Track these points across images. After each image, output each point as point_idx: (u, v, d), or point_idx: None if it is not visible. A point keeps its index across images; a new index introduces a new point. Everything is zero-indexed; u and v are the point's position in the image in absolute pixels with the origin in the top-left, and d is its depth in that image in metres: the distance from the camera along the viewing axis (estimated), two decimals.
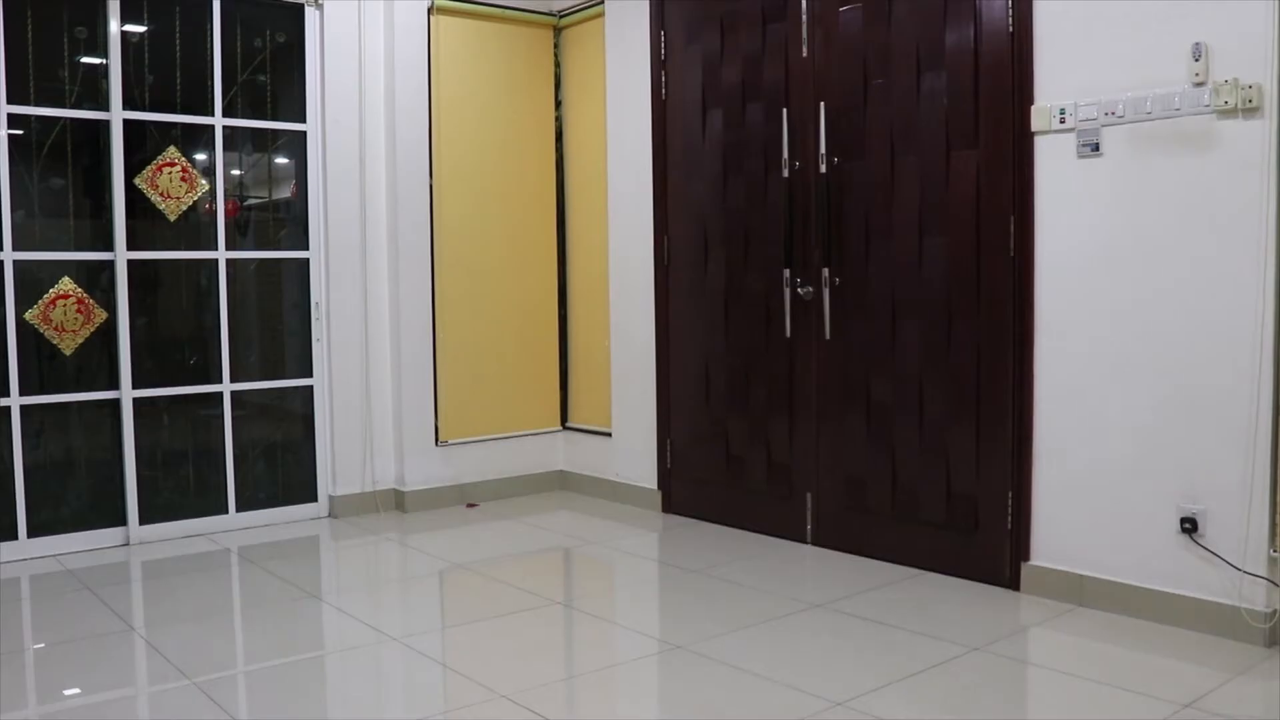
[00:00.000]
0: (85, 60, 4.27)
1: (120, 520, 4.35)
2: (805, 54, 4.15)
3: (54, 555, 4.16)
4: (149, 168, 4.39)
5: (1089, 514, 3.36)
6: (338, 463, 4.84)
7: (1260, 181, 2.93)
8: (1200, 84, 3.03)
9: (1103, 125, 3.26)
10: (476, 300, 5.12)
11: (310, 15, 4.72)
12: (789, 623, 3.30)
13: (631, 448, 5.02)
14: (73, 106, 4.23)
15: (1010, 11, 3.48)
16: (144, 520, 4.38)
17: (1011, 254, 3.52)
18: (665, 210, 4.78)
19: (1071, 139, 3.34)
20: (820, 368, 4.16)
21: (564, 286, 5.44)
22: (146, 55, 4.38)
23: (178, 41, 4.45)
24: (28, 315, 4.16)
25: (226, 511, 4.61)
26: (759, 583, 3.75)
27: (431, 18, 4.92)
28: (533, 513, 4.93)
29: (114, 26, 4.25)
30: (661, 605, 3.63)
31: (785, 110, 4.21)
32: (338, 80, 4.77)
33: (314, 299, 4.80)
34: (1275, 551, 2.97)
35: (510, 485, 5.24)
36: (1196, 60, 3.02)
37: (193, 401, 4.56)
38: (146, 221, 4.42)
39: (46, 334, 4.20)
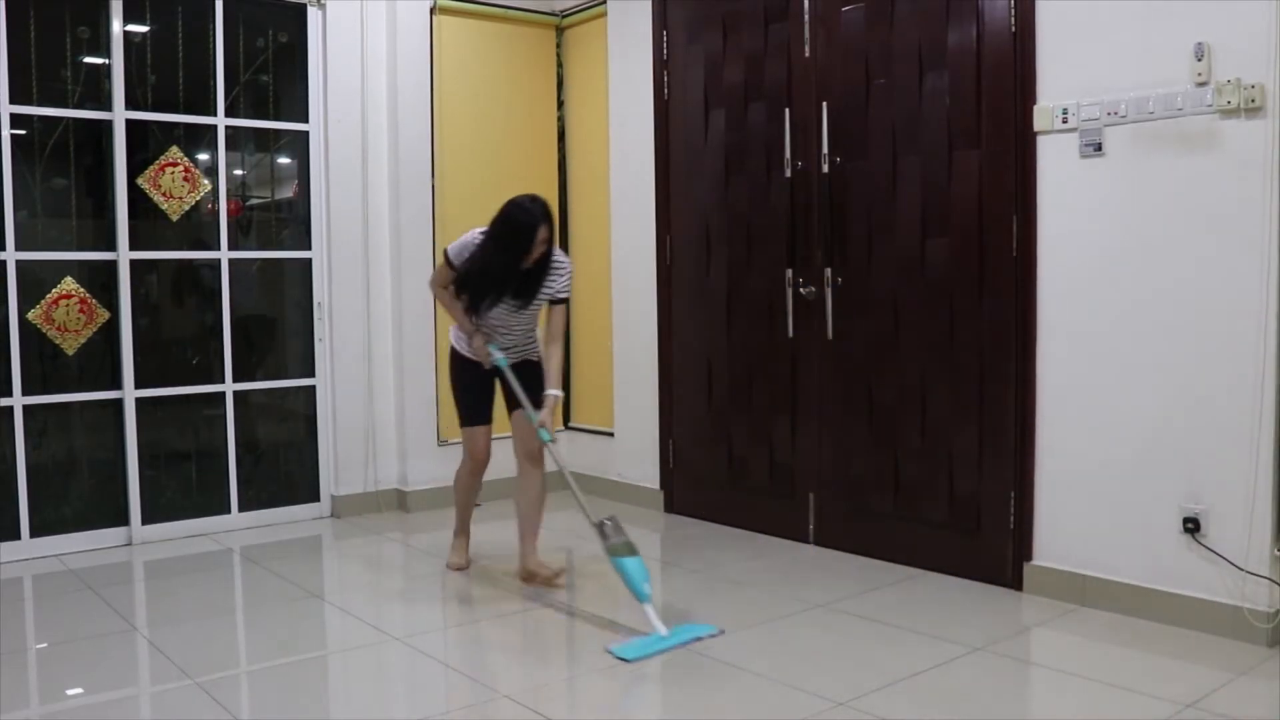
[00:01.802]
0: (88, 60, 4.28)
1: (123, 520, 4.35)
2: (807, 54, 4.15)
3: (56, 555, 4.17)
4: (151, 168, 4.40)
5: (1091, 514, 3.36)
6: (340, 462, 4.84)
7: (1262, 181, 2.93)
8: (1203, 84, 3.02)
9: (1105, 125, 3.25)
10: None
11: (313, 15, 4.72)
12: (791, 623, 3.30)
13: (633, 448, 5.02)
14: (75, 106, 4.23)
15: (1012, 11, 3.48)
16: (146, 520, 4.38)
17: (1014, 254, 3.52)
18: (668, 210, 4.78)
19: (1074, 139, 3.33)
20: (822, 367, 4.16)
21: None
22: (149, 55, 4.38)
23: (180, 41, 4.45)
24: (30, 315, 4.16)
25: (229, 511, 4.61)
26: (761, 583, 3.75)
27: (434, 17, 4.92)
28: None
29: (116, 26, 4.25)
30: (663, 605, 3.63)
31: (787, 110, 4.21)
32: (340, 80, 4.77)
33: (316, 299, 4.81)
34: (1278, 551, 2.96)
35: (513, 485, 5.21)
36: (1199, 60, 3.02)
37: (195, 401, 4.57)
38: (149, 221, 4.42)
39: (49, 334, 4.20)
